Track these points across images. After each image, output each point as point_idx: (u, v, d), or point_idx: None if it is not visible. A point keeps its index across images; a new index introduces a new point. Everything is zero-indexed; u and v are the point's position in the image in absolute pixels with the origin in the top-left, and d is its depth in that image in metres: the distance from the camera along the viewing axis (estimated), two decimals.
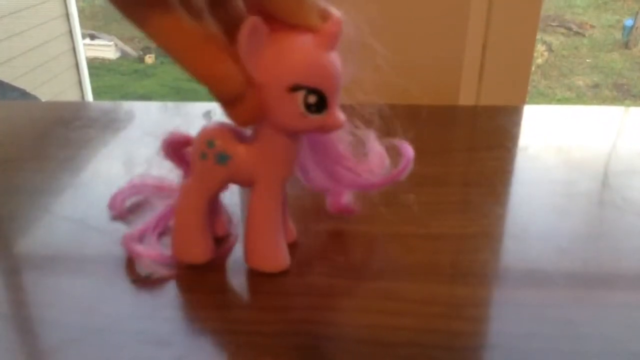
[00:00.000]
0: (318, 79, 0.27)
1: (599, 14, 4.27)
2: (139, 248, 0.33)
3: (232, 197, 0.38)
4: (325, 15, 0.27)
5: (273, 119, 0.28)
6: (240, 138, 0.30)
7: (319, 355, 0.28)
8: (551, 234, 0.37)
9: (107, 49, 4.02)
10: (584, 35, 4.07)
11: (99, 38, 4.10)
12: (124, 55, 4.08)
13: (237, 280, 0.33)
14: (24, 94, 2.30)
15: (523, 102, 0.68)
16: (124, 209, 0.39)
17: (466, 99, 0.68)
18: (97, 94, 3.35)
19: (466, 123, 0.56)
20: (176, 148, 0.34)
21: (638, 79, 3.63)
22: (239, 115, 0.28)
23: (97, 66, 3.85)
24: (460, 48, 0.64)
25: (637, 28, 3.86)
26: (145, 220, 0.36)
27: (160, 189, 0.38)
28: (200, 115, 0.54)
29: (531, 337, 0.28)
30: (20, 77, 2.60)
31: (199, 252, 0.33)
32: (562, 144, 0.49)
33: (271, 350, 0.28)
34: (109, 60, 4.01)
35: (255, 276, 0.33)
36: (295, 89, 0.27)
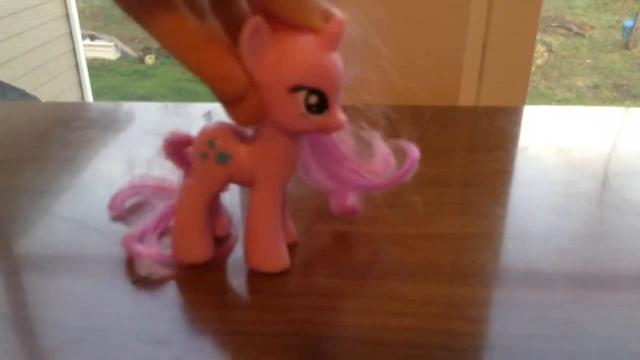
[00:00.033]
0: (319, 80, 0.27)
1: (599, 15, 4.27)
2: (139, 247, 0.33)
3: (232, 197, 0.38)
4: (327, 16, 0.27)
5: (274, 119, 0.28)
6: (241, 138, 0.30)
7: (319, 356, 0.28)
8: (551, 234, 0.37)
9: (107, 49, 4.02)
10: (584, 36, 4.07)
11: (99, 39, 4.09)
12: (124, 55, 4.07)
13: (238, 280, 0.33)
14: (24, 95, 2.30)
15: (523, 102, 0.68)
16: (124, 210, 0.39)
17: (466, 99, 0.68)
18: (97, 94, 3.35)
19: (466, 123, 0.56)
20: (177, 148, 0.34)
21: (638, 79, 3.63)
22: (240, 115, 0.28)
23: (97, 67, 3.85)
24: (461, 48, 0.64)
25: (637, 29, 3.86)
26: (145, 220, 0.36)
27: (160, 190, 0.38)
28: (200, 115, 0.54)
29: (531, 338, 0.28)
30: (20, 77, 2.60)
31: (199, 251, 0.33)
32: (562, 145, 0.49)
33: (271, 351, 0.28)
34: (109, 60, 4.01)
35: (255, 276, 0.33)
36: (296, 89, 0.27)
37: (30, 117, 0.57)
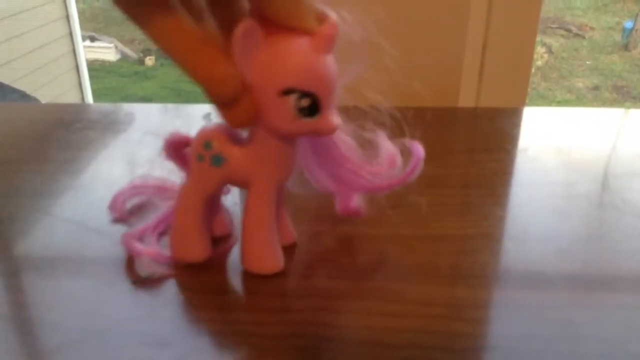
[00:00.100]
0: (311, 82, 0.27)
1: (599, 16, 4.27)
2: (138, 246, 0.33)
3: (232, 197, 0.38)
4: (321, 18, 0.27)
5: (266, 121, 0.28)
6: (236, 140, 0.30)
7: (319, 357, 0.28)
8: (551, 235, 0.37)
9: (107, 51, 4.02)
10: (583, 37, 4.08)
11: (99, 40, 4.10)
12: (124, 57, 4.08)
13: (238, 281, 0.33)
14: (24, 96, 2.30)
15: (523, 104, 0.68)
16: (125, 211, 0.39)
17: (466, 100, 0.68)
18: (97, 96, 3.35)
19: (466, 125, 0.56)
20: (177, 148, 0.34)
21: (638, 81, 3.63)
22: (234, 117, 0.28)
23: (97, 68, 3.85)
24: (460, 49, 0.64)
25: (636, 30, 3.86)
26: (145, 221, 0.36)
27: (162, 190, 0.38)
28: (200, 117, 0.54)
29: (531, 339, 0.28)
30: (21, 79, 2.60)
31: (197, 251, 0.33)
32: (562, 146, 0.49)
33: (272, 352, 0.28)
34: (109, 62, 4.01)
35: (255, 277, 0.33)
36: (287, 92, 0.27)
37: (31, 119, 0.57)
